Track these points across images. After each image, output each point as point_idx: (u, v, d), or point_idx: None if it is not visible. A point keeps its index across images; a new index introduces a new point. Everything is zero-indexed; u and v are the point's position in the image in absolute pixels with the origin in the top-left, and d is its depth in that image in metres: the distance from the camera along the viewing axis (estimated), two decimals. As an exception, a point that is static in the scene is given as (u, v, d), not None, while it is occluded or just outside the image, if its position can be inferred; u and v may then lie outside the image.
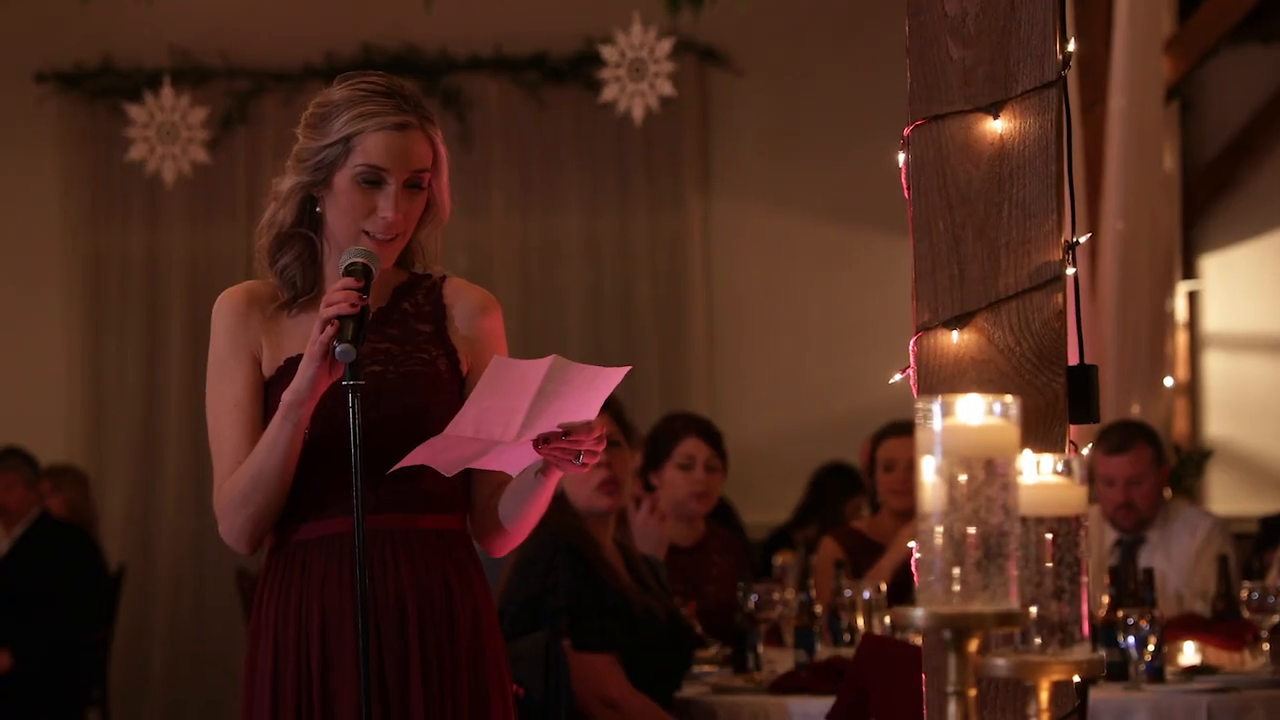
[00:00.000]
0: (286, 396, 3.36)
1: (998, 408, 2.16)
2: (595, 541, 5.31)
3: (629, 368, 3.35)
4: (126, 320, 10.25)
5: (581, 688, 5.10)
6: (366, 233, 3.44)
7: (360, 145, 3.42)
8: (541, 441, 3.29)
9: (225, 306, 3.53)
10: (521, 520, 3.51)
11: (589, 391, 3.31)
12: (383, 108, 3.43)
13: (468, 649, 3.48)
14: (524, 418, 3.29)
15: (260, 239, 3.54)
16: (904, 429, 6.77)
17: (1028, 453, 2.28)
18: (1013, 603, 2.16)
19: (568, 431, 3.28)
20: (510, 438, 3.31)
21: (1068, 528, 2.29)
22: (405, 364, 3.49)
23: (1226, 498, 9.91)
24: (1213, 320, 10.43)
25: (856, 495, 9.03)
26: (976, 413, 2.16)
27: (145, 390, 10.20)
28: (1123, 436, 6.74)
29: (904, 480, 6.73)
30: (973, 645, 2.16)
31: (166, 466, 10.15)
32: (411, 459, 3.33)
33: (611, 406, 5.29)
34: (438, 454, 3.34)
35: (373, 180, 3.43)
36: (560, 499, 5.30)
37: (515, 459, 3.40)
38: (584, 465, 3.34)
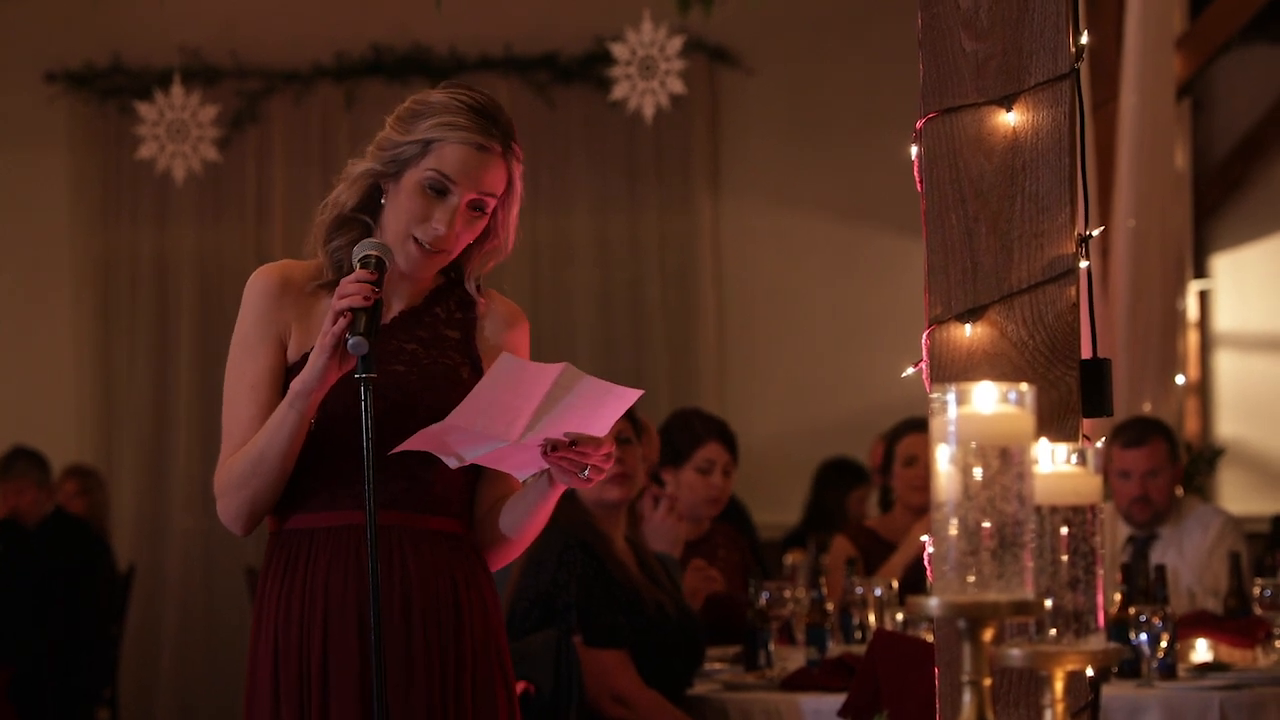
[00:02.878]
0: (295, 385, 3.34)
1: (1013, 396, 2.15)
2: (607, 538, 5.31)
3: (642, 391, 3.32)
4: (136, 319, 10.25)
5: (592, 684, 5.10)
6: (415, 238, 3.42)
7: (437, 151, 3.41)
8: (550, 448, 3.28)
9: (259, 286, 3.50)
10: (522, 531, 3.50)
11: (599, 407, 3.28)
12: (471, 123, 3.41)
13: (473, 647, 3.46)
14: (528, 420, 3.27)
15: (320, 215, 3.52)
16: (923, 425, 6.77)
17: (1043, 442, 2.27)
18: (1028, 592, 2.15)
19: (575, 442, 3.27)
20: (512, 438, 3.28)
21: (1083, 518, 2.28)
22: (429, 365, 3.48)
23: (1237, 497, 9.90)
24: (1223, 320, 10.42)
25: (859, 487, 9.07)
26: (991, 401, 2.15)
27: (155, 389, 10.20)
28: (1140, 430, 6.78)
29: (925, 475, 6.72)
30: (987, 635, 2.15)
31: (176, 466, 10.15)
32: (412, 444, 3.31)
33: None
34: (439, 443, 3.32)
35: (439, 189, 3.42)
36: (570, 495, 5.29)
37: (521, 462, 3.37)
38: (588, 480, 3.32)
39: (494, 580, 3.57)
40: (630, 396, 3.29)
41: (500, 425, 3.28)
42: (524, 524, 3.49)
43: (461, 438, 3.31)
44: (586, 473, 3.30)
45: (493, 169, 3.43)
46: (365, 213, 3.48)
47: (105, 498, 9.47)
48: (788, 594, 6.04)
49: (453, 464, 3.37)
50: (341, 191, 3.50)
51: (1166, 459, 6.75)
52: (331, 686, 3.41)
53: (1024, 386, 2.16)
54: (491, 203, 3.46)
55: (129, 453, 10.20)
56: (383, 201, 3.47)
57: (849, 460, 9.33)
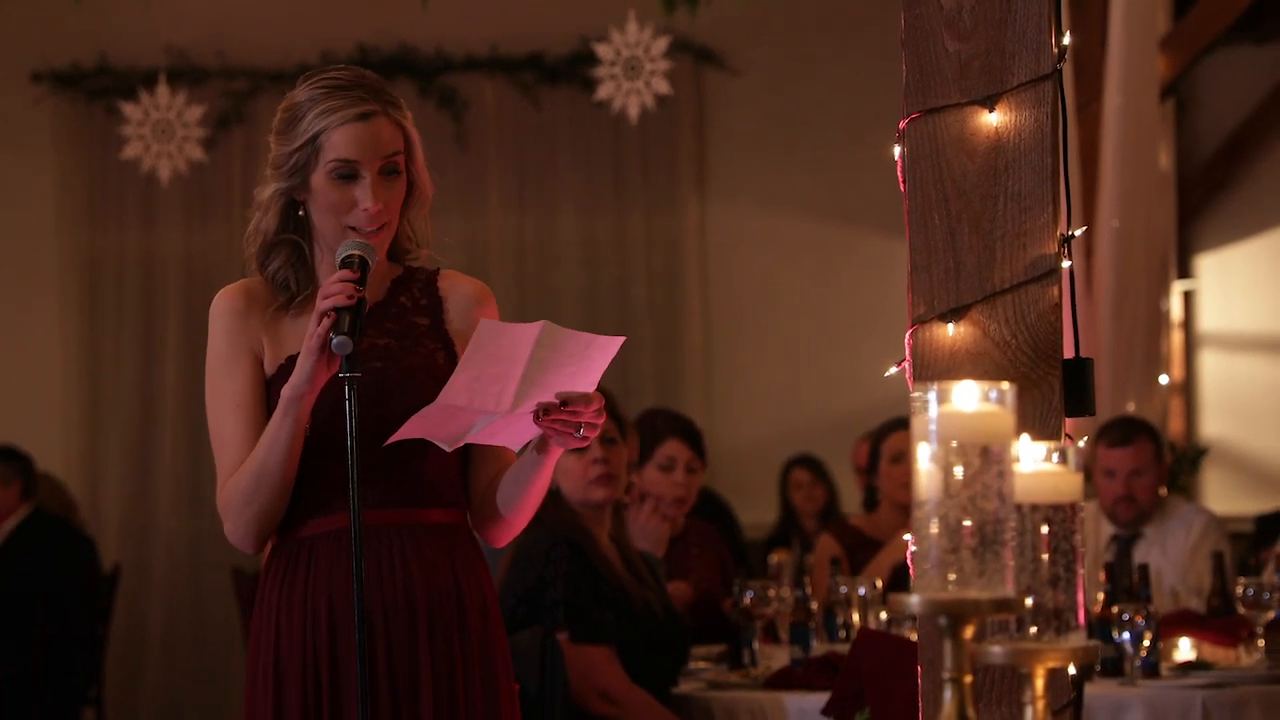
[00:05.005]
0: (286, 391, 3.35)
1: (994, 394, 2.16)
2: (592, 535, 5.32)
3: (624, 338, 3.33)
4: (122, 319, 10.24)
5: (578, 681, 5.10)
6: (352, 228, 3.44)
7: (328, 142, 3.43)
8: (542, 413, 3.27)
9: (224, 305, 3.52)
10: (521, 505, 3.49)
11: (584, 361, 3.29)
12: (344, 100, 3.44)
13: (478, 643, 3.47)
14: (517, 387, 3.27)
15: (248, 248, 3.54)
16: (909, 423, 6.78)
17: (1025, 439, 2.29)
18: (1009, 590, 2.16)
19: (565, 402, 3.27)
20: (504, 409, 3.28)
21: (1063, 516, 2.29)
22: (406, 359, 3.48)
23: (1222, 497, 9.92)
24: (1208, 320, 10.43)
25: (794, 469, 9.26)
26: (972, 400, 2.16)
27: (141, 390, 10.19)
28: (1125, 430, 6.80)
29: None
30: (968, 632, 2.16)
31: (162, 465, 10.14)
32: (405, 431, 3.31)
33: (607, 403, 5.29)
34: (434, 426, 3.31)
35: (347, 175, 3.43)
36: (556, 494, 5.30)
37: (516, 433, 3.37)
38: (585, 439, 3.32)
39: (490, 572, 3.57)
40: (613, 345, 3.30)
41: (491, 397, 3.28)
42: (523, 498, 3.48)
43: (453, 417, 3.30)
44: (581, 431, 3.30)
45: (384, 130, 3.45)
46: (290, 232, 3.50)
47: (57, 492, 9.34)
48: (772, 593, 6.05)
49: (447, 448, 3.37)
50: (259, 220, 3.52)
51: (1152, 459, 6.77)
52: (339, 687, 3.40)
53: (1005, 385, 2.17)
54: (400, 160, 3.47)
55: (115, 452, 10.18)
56: (301, 215, 3.49)
57: (812, 457, 9.41)
